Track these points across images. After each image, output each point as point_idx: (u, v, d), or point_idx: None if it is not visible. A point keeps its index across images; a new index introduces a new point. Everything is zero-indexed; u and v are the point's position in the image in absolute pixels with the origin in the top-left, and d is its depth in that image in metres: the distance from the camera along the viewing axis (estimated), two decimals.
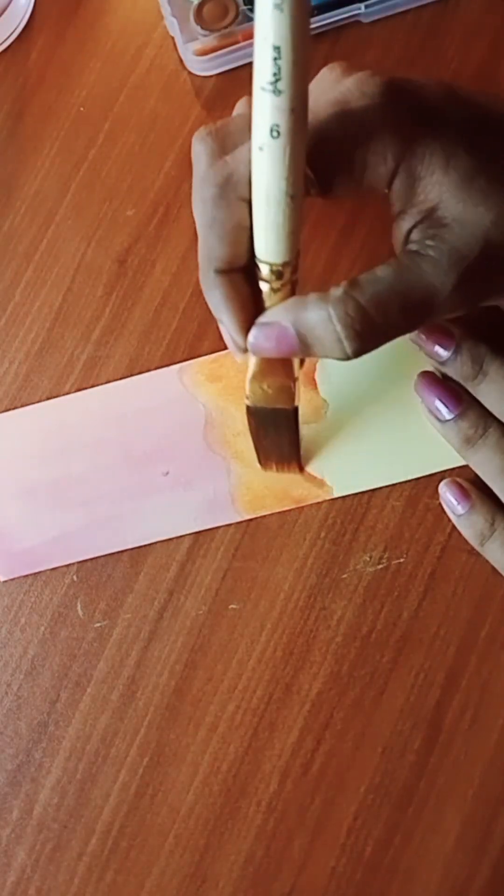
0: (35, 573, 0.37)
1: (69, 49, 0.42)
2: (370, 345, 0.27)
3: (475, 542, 0.33)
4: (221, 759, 0.34)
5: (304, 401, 0.36)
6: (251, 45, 0.23)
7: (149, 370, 0.38)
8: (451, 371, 0.33)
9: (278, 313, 0.27)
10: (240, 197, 0.26)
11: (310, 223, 0.37)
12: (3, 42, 0.42)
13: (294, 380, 0.30)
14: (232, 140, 0.28)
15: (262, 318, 0.28)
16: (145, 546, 0.36)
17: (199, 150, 0.28)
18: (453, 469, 0.35)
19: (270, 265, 0.27)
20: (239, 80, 0.40)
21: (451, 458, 0.34)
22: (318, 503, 0.35)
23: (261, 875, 0.33)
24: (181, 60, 0.40)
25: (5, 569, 0.37)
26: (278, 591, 0.35)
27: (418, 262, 0.27)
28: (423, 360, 0.34)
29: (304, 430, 0.36)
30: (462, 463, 0.34)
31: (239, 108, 0.31)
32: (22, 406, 0.38)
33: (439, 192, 0.26)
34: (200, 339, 0.38)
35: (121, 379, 0.38)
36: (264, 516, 0.36)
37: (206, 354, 0.37)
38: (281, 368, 0.30)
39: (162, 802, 0.34)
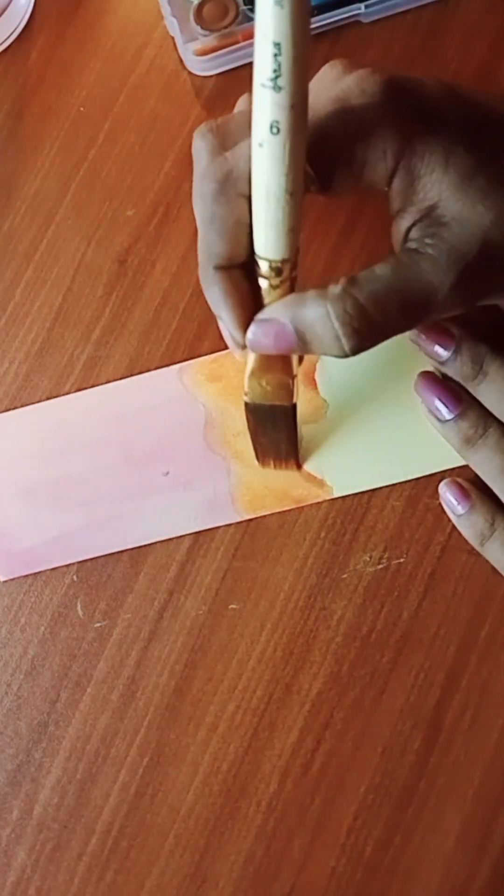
0: (35, 573, 0.37)
1: (69, 49, 0.42)
2: (368, 343, 0.27)
3: (475, 542, 0.33)
4: (221, 759, 0.34)
5: (304, 401, 0.36)
6: (251, 45, 0.23)
7: (149, 370, 0.38)
8: (451, 371, 0.33)
9: (277, 310, 0.27)
10: (240, 193, 0.26)
11: (310, 223, 0.37)
12: (3, 42, 0.42)
13: (293, 377, 0.30)
14: (232, 137, 0.28)
15: (260, 315, 0.28)
16: (145, 546, 0.36)
17: (200, 147, 0.28)
18: (453, 469, 0.35)
19: (270, 262, 0.27)
20: (239, 80, 0.40)
21: (451, 458, 0.34)
22: (318, 503, 0.35)
23: (261, 875, 0.33)
24: (181, 60, 0.40)
25: (5, 569, 0.37)
26: (278, 591, 0.35)
27: (417, 260, 0.27)
28: (423, 360, 0.34)
29: (304, 430, 0.36)
30: (462, 463, 0.34)
31: (240, 104, 0.31)
32: (22, 406, 0.38)
33: (439, 190, 0.26)
34: (200, 339, 0.38)
35: (121, 379, 0.38)
36: (264, 516, 0.36)
37: (206, 354, 0.37)
38: (280, 365, 0.30)
39: (162, 802, 0.34)
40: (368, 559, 0.35)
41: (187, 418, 0.37)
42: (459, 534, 0.34)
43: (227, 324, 0.28)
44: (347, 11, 0.39)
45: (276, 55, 0.22)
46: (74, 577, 0.36)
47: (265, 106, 0.23)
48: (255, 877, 0.33)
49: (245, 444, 0.36)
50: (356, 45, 0.39)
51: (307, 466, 0.36)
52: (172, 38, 0.41)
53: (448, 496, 0.34)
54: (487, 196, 0.26)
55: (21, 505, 0.37)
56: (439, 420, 0.33)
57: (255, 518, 0.36)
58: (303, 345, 0.27)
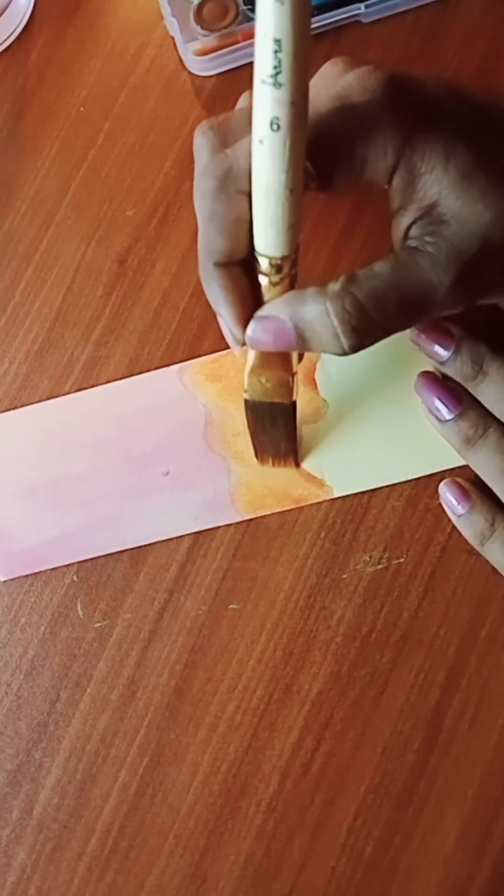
0: (35, 573, 0.37)
1: (69, 49, 0.42)
2: (367, 340, 0.27)
3: (475, 542, 0.33)
4: (221, 759, 0.34)
5: (304, 401, 0.36)
6: (251, 45, 0.23)
7: (149, 370, 0.38)
8: (451, 371, 0.33)
9: (276, 307, 0.27)
10: (240, 190, 0.26)
11: (310, 223, 0.37)
12: (3, 42, 0.42)
13: (292, 374, 0.30)
14: (233, 134, 0.28)
15: (260, 312, 0.28)
16: (145, 546, 0.36)
17: (201, 144, 0.28)
18: (453, 469, 0.35)
19: (269, 259, 0.27)
20: (239, 80, 0.40)
21: (451, 458, 0.34)
22: (318, 503, 0.35)
23: (261, 875, 0.33)
24: (181, 60, 0.40)
25: (5, 569, 0.37)
26: (278, 591, 0.35)
27: (416, 258, 0.27)
28: (423, 360, 0.34)
29: (304, 430, 0.36)
30: (462, 463, 0.34)
31: (241, 101, 0.31)
32: (22, 406, 0.38)
33: (439, 188, 0.26)
34: (200, 339, 0.38)
35: (121, 379, 0.38)
36: (264, 516, 0.36)
37: (206, 354, 0.37)
38: (279, 362, 0.30)
39: (162, 802, 0.34)
40: (368, 559, 0.35)
41: (187, 418, 0.37)
42: (459, 534, 0.34)
43: (226, 320, 0.28)
44: (347, 11, 0.39)
45: (276, 52, 0.22)
46: (74, 577, 0.36)
47: (265, 102, 0.23)
48: (255, 877, 0.33)
49: (245, 444, 0.36)
50: (356, 45, 0.39)
51: (307, 466, 0.36)
52: (172, 38, 0.41)
53: (448, 496, 0.34)
54: (487, 194, 0.26)
55: (21, 505, 0.37)
56: (439, 420, 0.33)
57: (255, 518, 0.36)
58: (302, 342, 0.27)
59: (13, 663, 0.36)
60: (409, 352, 0.34)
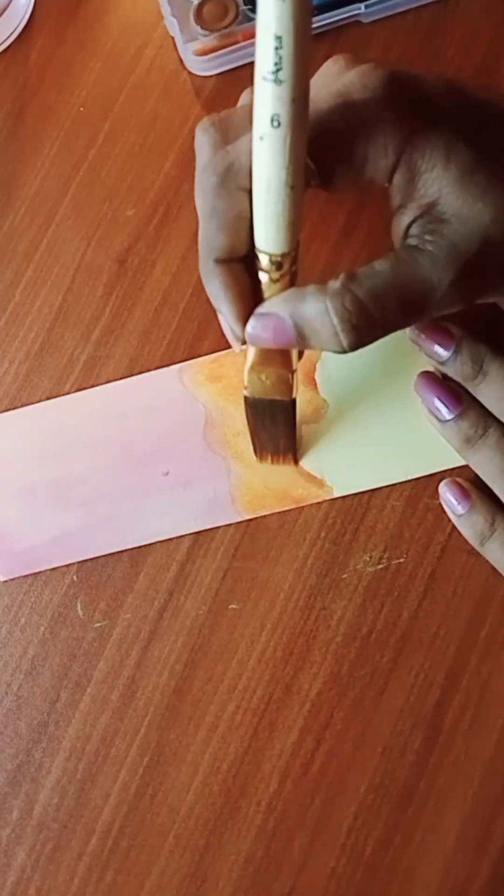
0: (35, 573, 0.37)
1: (69, 49, 0.42)
2: (366, 338, 0.27)
3: (475, 542, 0.33)
4: (221, 759, 0.34)
5: (304, 401, 0.36)
6: (251, 45, 0.23)
7: (149, 370, 0.38)
8: (451, 371, 0.33)
9: (276, 304, 0.27)
10: (241, 186, 0.26)
11: (310, 222, 0.37)
12: (3, 42, 0.42)
13: (292, 371, 0.30)
14: (235, 130, 0.28)
15: (260, 309, 0.28)
16: (145, 546, 0.36)
17: (202, 140, 0.28)
18: (453, 469, 0.35)
19: (270, 255, 0.27)
20: (239, 80, 0.40)
21: (451, 458, 0.34)
22: (318, 503, 0.35)
23: (261, 875, 0.33)
24: (181, 60, 0.40)
25: (5, 569, 0.37)
26: (278, 591, 0.35)
27: (416, 256, 0.27)
28: (423, 360, 0.34)
29: (304, 430, 0.36)
30: (462, 463, 0.34)
31: (243, 98, 0.31)
32: (22, 406, 0.38)
33: (439, 187, 0.26)
34: (200, 339, 0.38)
35: (121, 379, 0.38)
36: (264, 516, 0.36)
37: (206, 354, 0.37)
38: (279, 359, 0.30)
39: (162, 802, 0.34)
40: (368, 559, 0.35)
41: (187, 418, 0.37)
42: (459, 534, 0.34)
43: (226, 317, 0.28)
44: (347, 11, 0.39)
45: (277, 48, 0.22)
46: (74, 577, 0.36)
47: (266, 99, 0.23)
48: (255, 877, 0.33)
49: (245, 444, 0.36)
50: (356, 46, 0.39)
51: (308, 466, 0.36)
52: (172, 38, 0.41)
53: (448, 496, 0.34)
54: (487, 193, 0.26)
55: (21, 505, 0.37)
56: (439, 420, 0.33)
57: (255, 518, 0.36)
58: (301, 339, 0.27)
59: (13, 663, 0.36)
60: (409, 352, 0.34)
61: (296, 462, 0.36)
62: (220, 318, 0.29)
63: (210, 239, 0.27)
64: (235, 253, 0.27)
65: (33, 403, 0.38)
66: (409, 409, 0.35)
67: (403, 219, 0.28)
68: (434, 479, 0.35)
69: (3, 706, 0.36)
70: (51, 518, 0.37)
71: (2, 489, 0.38)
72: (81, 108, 0.41)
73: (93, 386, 0.38)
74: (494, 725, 0.33)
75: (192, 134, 0.28)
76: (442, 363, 0.33)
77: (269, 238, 0.26)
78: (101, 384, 0.38)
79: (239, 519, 0.36)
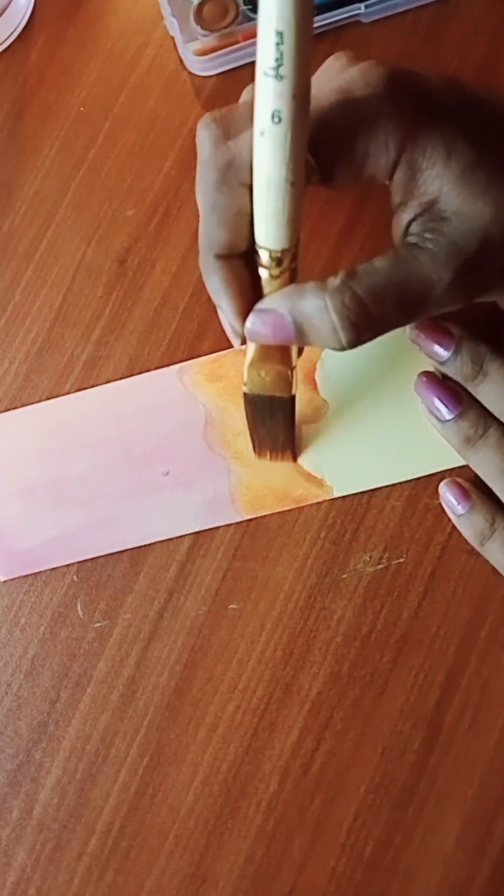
0: (35, 573, 0.37)
1: (69, 49, 0.42)
2: (365, 336, 0.27)
3: (475, 542, 0.33)
4: (221, 759, 0.34)
5: (303, 401, 0.36)
6: (251, 44, 0.23)
7: (149, 370, 0.38)
8: (451, 371, 0.33)
9: (276, 300, 0.27)
10: (241, 182, 0.26)
11: (310, 222, 0.37)
12: (3, 42, 0.42)
13: (292, 368, 0.30)
14: (236, 126, 0.28)
15: (259, 305, 0.28)
16: (145, 546, 0.36)
17: (204, 136, 0.28)
18: (453, 469, 0.35)
19: (270, 252, 0.27)
20: (239, 80, 0.40)
21: (451, 458, 0.34)
22: (318, 503, 0.35)
23: (261, 875, 0.33)
24: (181, 60, 0.40)
25: (5, 569, 0.37)
26: (278, 591, 0.35)
27: (416, 254, 0.27)
28: (423, 360, 0.34)
29: (304, 429, 0.36)
30: (462, 463, 0.34)
31: (245, 95, 0.31)
32: (22, 406, 0.38)
33: (440, 185, 0.26)
34: (200, 339, 0.38)
35: (121, 379, 0.38)
36: (264, 516, 0.36)
37: (206, 354, 0.37)
38: (279, 356, 0.30)
39: (162, 802, 0.34)
40: (368, 559, 0.35)
41: (187, 418, 0.37)
42: (459, 534, 0.34)
43: (226, 313, 0.28)
44: (347, 11, 0.39)
45: (278, 44, 0.22)
46: (74, 577, 0.36)
47: (267, 95, 0.23)
48: (255, 877, 0.33)
49: (245, 444, 0.36)
50: (356, 46, 0.39)
51: (308, 466, 0.36)
52: (172, 38, 0.41)
53: (448, 496, 0.34)
54: (488, 191, 0.26)
55: (21, 505, 0.37)
56: (439, 420, 0.33)
57: (255, 518, 0.36)
58: (301, 336, 0.27)
59: (13, 663, 0.36)
60: (408, 352, 0.34)
61: (294, 459, 0.36)
62: (220, 314, 0.29)
63: (210, 234, 0.27)
64: (236, 249, 0.27)
65: (33, 403, 0.38)
66: (409, 409, 0.35)
67: (404, 216, 0.28)
68: (434, 479, 0.35)
69: (3, 706, 0.36)
70: (51, 518, 0.37)
71: (2, 489, 0.38)
72: (81, 108, 0.41)
73: (93, 386, 0.38)
74: (494, 725, 0.33)
75: (192, 134, 0.28)
76: (442, 363, 0.33)
77: (269, 234, 0.26)
78: (101, 384, 0.38)
79: (239, 519, 0.36)
